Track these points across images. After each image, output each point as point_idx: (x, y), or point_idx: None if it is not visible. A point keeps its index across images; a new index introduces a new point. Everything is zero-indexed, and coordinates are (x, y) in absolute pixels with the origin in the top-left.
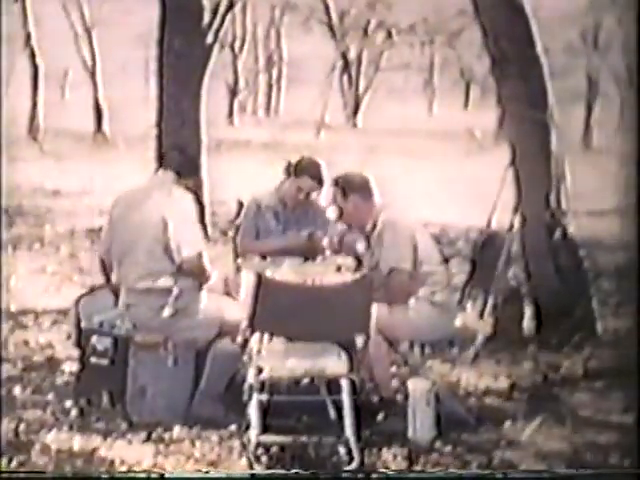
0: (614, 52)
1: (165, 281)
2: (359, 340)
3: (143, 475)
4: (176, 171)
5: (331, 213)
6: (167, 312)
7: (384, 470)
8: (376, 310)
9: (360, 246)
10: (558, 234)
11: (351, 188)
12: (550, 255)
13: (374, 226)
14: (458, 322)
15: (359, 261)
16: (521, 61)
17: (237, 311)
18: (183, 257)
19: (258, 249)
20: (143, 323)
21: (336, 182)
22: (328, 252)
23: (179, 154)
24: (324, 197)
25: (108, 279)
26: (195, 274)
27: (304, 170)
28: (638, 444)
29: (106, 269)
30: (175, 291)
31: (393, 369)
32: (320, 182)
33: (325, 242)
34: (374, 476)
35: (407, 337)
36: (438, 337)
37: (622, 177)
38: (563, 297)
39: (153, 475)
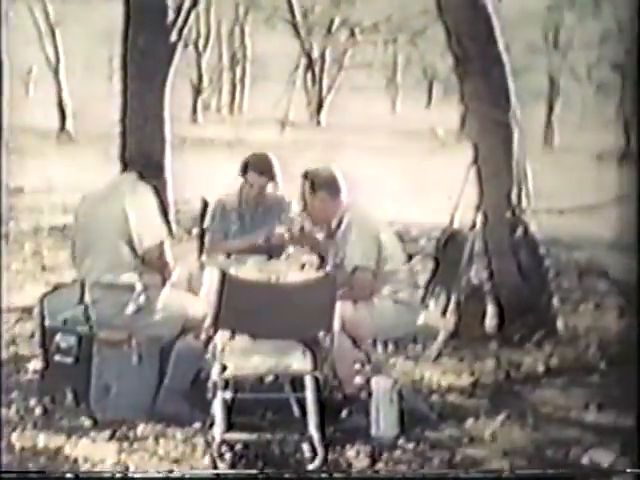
0: (574, 51)
1: (129, 277)
2: (323, 337)
3: (108, 473)
4: (140, 172)
5: (295, 206)
6: (131, 308)
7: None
8: (340, 308)
9: (320, 235)
10: (519, 232)
11: (319, 183)
12: (512, 253)
13: (339, 223)
14: (421, 320)
15: (322, 259)
16: (483, 60)
17: (201, 308)
18: (144, 247)
19: (225, 250)
20: (107, 320)
21: (305, 176)
22: (291, 248)
23: (144, 156)
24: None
25: None
26: (157, 266)
27: (251, 166)
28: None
29: None
30: (138, 287)
31: (357, 366)
32: (271, 176)
33: (286, 236)
34: (337, 475)
35: (371, 334)
36: (401, 334)
37: (583, 176)
38: (524, 295)
39: (117, 475)
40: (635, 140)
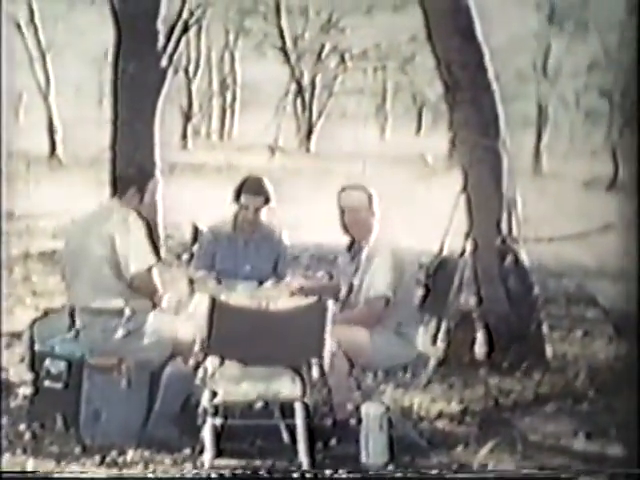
0: (563, 79)
1: (117, 302)
2: (315, 363)
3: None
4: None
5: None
6: (120, 333)
7: None
8: (346, 331)
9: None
10: (509, 260)
11: (371, 199)
12: (501, 280)
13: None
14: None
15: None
16: (473, 88)
17: (190, 331)
18: (131, 273)
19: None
20: (96, 345)
21: (365, 189)
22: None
23: (136, 173)
24: None
25: None
26: (145, 291)
27: (245, 189)
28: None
29: None
30: (127, 312)
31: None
32: (266, 197)
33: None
34: None
35: (368, 363)
36: (396, 365)
37: (571, 203)
38: (514, 322)
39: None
40: (623, 168)
